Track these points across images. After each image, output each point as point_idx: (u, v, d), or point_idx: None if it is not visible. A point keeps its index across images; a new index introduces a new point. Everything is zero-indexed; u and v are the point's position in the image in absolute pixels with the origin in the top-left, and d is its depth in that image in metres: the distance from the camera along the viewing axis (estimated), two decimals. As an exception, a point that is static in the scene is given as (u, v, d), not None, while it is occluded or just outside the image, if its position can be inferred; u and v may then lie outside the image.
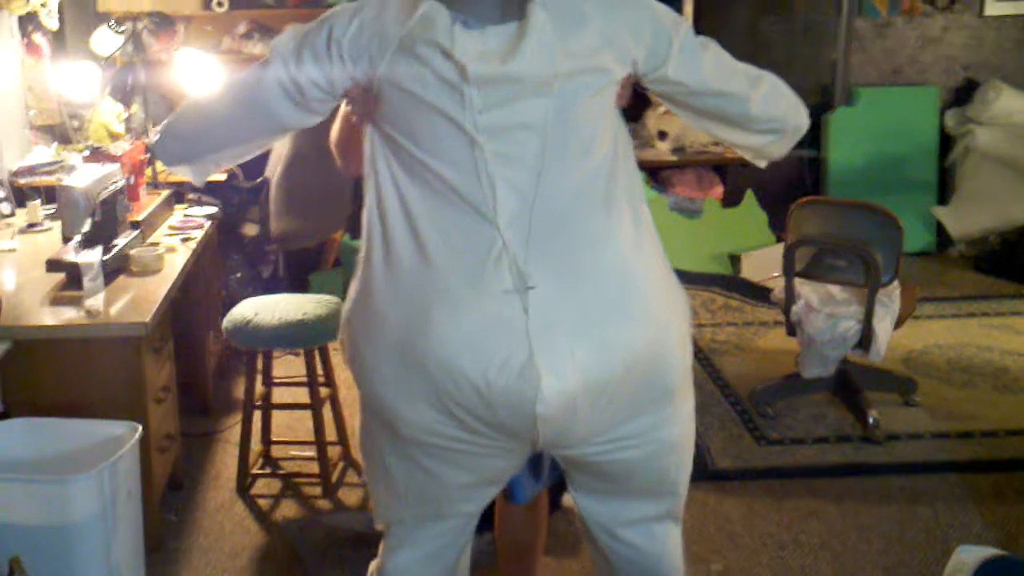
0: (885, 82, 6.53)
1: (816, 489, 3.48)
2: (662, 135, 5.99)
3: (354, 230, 5.53)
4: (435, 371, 1.80)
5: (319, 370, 3.57)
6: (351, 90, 1.87)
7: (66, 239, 3.50)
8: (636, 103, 2.06)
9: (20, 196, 4.34)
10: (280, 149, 4.68)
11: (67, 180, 3.68)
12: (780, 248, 5.40)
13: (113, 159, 4.12)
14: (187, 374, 3.93)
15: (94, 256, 3.16)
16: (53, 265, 3.30)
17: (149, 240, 3.77)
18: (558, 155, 1.80)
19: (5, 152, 4.61)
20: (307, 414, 3.93)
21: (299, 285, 5.20)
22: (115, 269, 3.37)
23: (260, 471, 3.66)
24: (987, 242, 6.18)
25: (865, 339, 3.71)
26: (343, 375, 3.96)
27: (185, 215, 4.16)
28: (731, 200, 6.01)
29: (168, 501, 3.38)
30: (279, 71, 1.86)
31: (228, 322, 3.47)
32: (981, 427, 3.89)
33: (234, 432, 3.97)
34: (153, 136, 2.14)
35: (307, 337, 3.41)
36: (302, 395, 3.90)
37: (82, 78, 4.84)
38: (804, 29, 6.53)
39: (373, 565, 2.18)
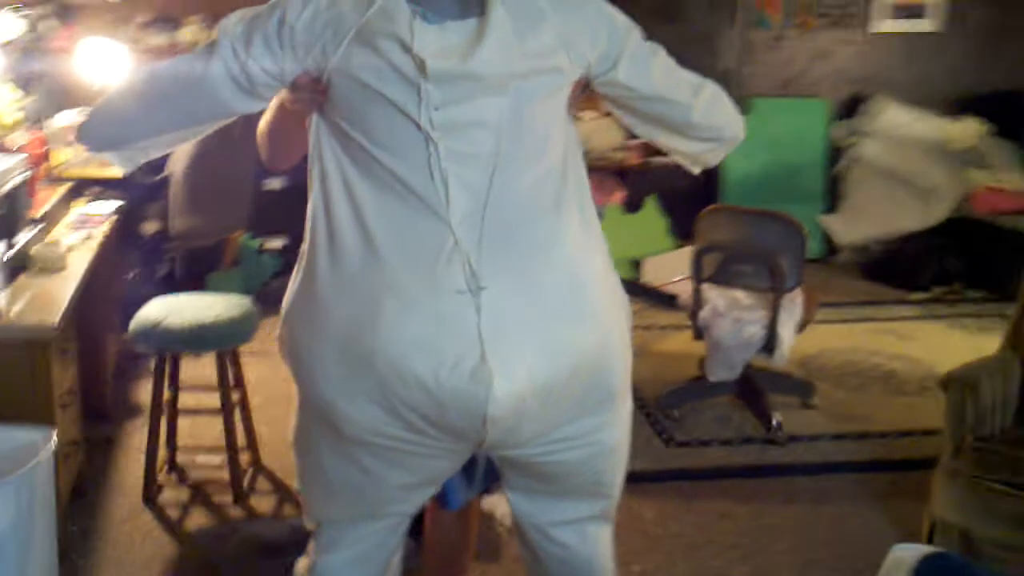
0: (777, 93, 6.74)
1: (725, 490, 3.57)
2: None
3: (254, 229, 5.44)
4: (383, 369, 1.77)
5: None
6: (300, 78, 1.81)
7: (-37, 236, 3.35)
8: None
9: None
10: (183, 144, 4.55)
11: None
12: (681, 253, 5.54)
13: (9, 150, 3.95)
14: (85, 377, 3.78)
15: (-6, 255, 3.04)
16: (-49, 263, 3.15)
17: (49, 237, 3.63)
18: (512, 155, 1.80)
19: None
20: (211, 419, 3.86)
21: (196, 285, 5.07)
22: (16, 267, 3.24)
23: (167, 479, 3.56)
24: (871, 250, 6.43)
25: (770, 343, 3.82)
26: (252, 379, 3.91)
27: (85, 211, 4.03)
28: (632, 205, 6.12)
29: (71, 511, 3.26)
30: (226, 55, 1.80)
31: (135, 324, 3.36)
32: (875, 428, 4.05)
33: (136, 438, 3.87)
34: (79, 118, 2.02)
35: (220, 339, 3.34)
36: (205, 399, 3.83)
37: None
38: (699, 39, 6.67)
39: (301, 564, 2.15)
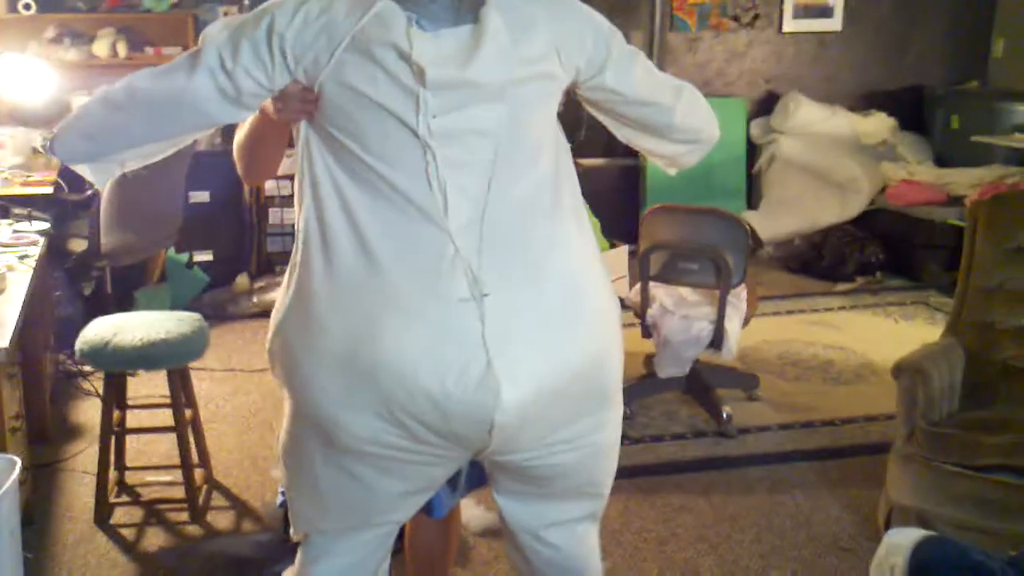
0: (696, 93, 6.84)
1: (682, 484, 3.62)
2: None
3: (181, 243, 5.32)
4: (385, 381, 1.75)
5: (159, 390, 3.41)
6: (290, 87, 1.78)
7: None
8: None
9: None
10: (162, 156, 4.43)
11: None
12: (616, 253, 5.60)
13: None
14: (24, 400, 3.67)
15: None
16: None
17: (-18, 259, 3.51)
18: (508, 162, 1.80)
19: None
20: (158, 437, 3.79)
21: (124, 302, 4.95)
22: (-46, 291, 3.12)
23: (117, 499, 3.46)
24: (793, 244, 6.59)
25: (717, 339, 3.89)
26: (202, 394, 3.83)
27: (15, 231, 3.90)
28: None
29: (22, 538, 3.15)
30: (212, 63, 1.76)
31: (83, 343, 3.26)
32: (819, 417, 4.15)
33: (79, 460, 3.76)
34: (52, 131, 1.94)
35: (172, 356, 3.26)
36: (147, 417, 3.74)
37: None
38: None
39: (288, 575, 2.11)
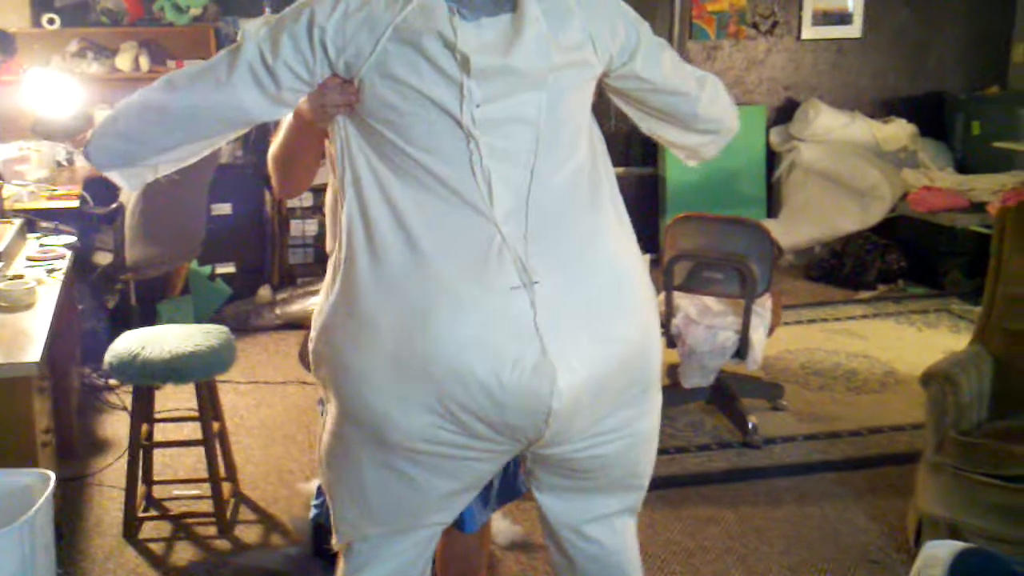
0: (715, 101, 6.84)
1: (709, 496, 3.61)
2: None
3: (201, 256, 5.35)
4: (440, 374, 1.74)
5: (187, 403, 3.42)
6: (329, 80, 1.77)
7: (-74, 275, 3.24)
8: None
9: None
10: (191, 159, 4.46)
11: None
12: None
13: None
14: (52, 414, 3.69)
15: (-35, 293, 2.95)
16: (-82, 304, 3.05)
17: (11, 273, 3.53)
18: (549, 150, 1.81)
19: None
20: (185, 450, 3.80)
21: (148, 314, 4.98)
22: (-17, 306, 3.15)
23: (145, 514, 3.47)
24: (814, 252, 6.57)
25: (742, 348, 3.88)
26: (227, 407, 3.84)
27: (41, 245, 3.92)
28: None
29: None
30: (252, 58, 1.76)
31: (111, 357, 3.28)
32: (845, 427, 4.13)
33: (107, 474, 3.77)
34: (88, 136, 1.93)
35: (200, 369, 3.27)
36: (173, 431, 3.76)
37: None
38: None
39: None
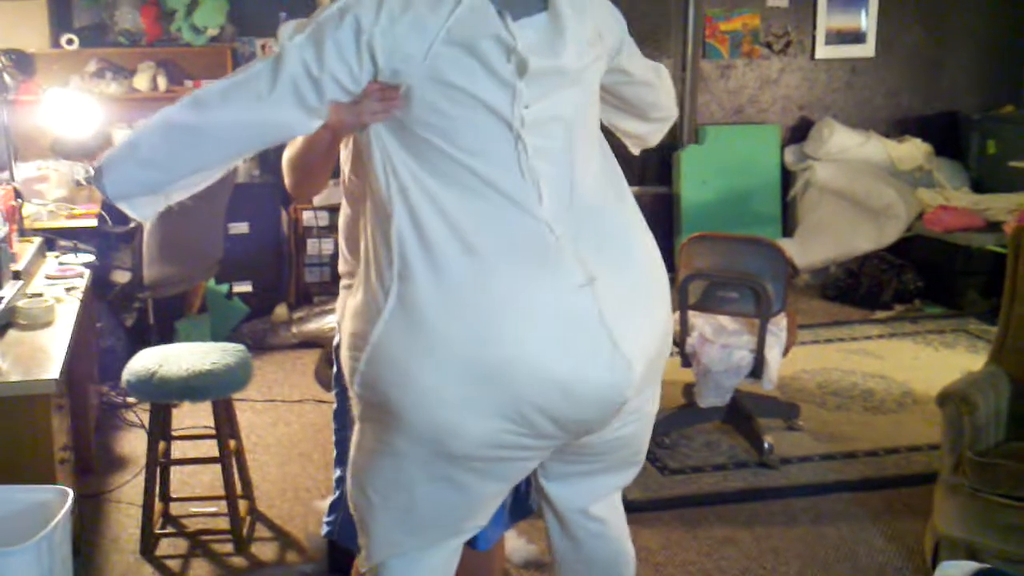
0: (729, 120, 6.87)
1: (725, 516, 3.60)
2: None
3: (219, 275, 5.37)
4: (517, 379, 1.74)
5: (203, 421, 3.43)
6: (368, 87, 1.74)
7: (-52, 293, 3.27)
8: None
9: None
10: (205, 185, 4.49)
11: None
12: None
13: (-18, 206, 3.87)
14: (71, 431, 3.71)
15: (-15, 311, 2.97)
16: (-60, 322, 3.08)
17: (30, 291, 3.56)
18: (581, 146, 1.84)
19: None
20: (201, 468, 3.81)
21: (165, 333, 5.00)
22: (4, 323, 3.17)
23: (162, 531, 3.48)
24: (830, 272, 6.56)
25: (757, 368, 3.87)
26: (243, 425, 3.86)
27: (61, 263, 3.95)
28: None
29: (70, 568, 3.18)
30: (295, 71, 1.70)
31: (130, 375, 3.30)
32: (862, 447, 4.11)
33: (125, 491, 3.79)
34: (98, 163, 1.82)
35: (217, 387, 3.29)
36: (191, 448, 3.77)
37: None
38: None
39: None
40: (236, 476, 3.48)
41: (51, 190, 5.02)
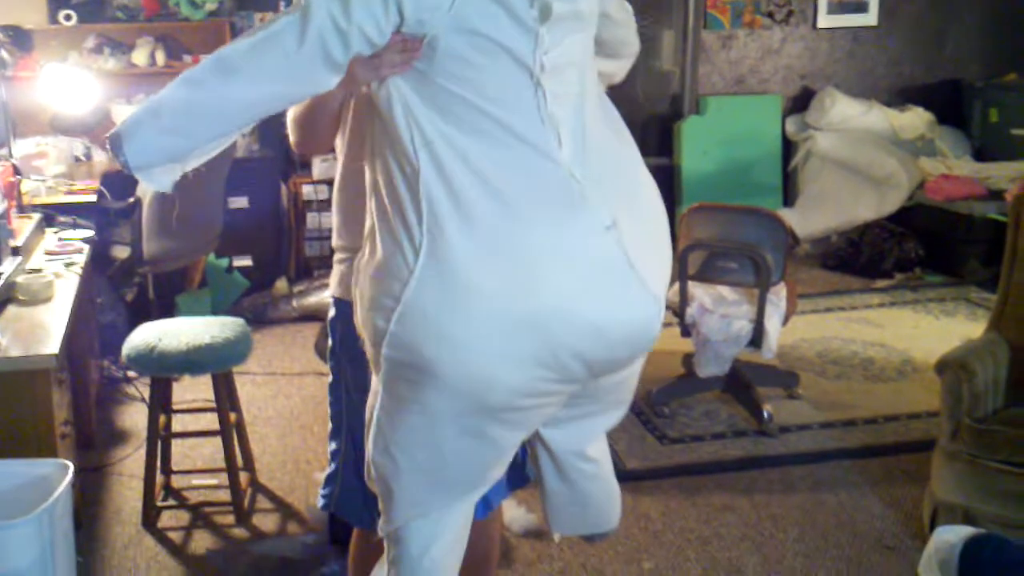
0: (730, 91, 6.84)
1: (724, 483, 3.61)
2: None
3: (218, 249, 5.38)
4: (552, 325, 1.74)
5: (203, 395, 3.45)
6: (392, 40, 1.71)
7: (-54, 269, 3.27)
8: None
9: None
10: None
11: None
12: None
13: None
14: (71, 406, 3.73)
15: (-17, 286, 2.98)
16: (-61, 297, 3.09)
17: (30, 266, 3.56)
18: (588, 90, 1.85)
19: None
20: (202, 441, 3.84)
21: (166, 307, 5.01)
22: (4, 299, 3.18)
23: (164, 503, 3.51)
24: (831, 241, 6.55)
25: (757, 337, 3.88)
26: (244, 398, 3.87)
27: (60, 239, 3.96)
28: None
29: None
30: (323, 24, 1.65)
31: (129, 349, 3.31)
32: (861, 415, 4.12)
33: (126, 464, 3.81)
34: (116, 131, 1.73)
35: (216, 361, 3.30)
36: (192, 421, 3.79)
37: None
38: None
39: (379, 574, 2.03)
40: (237, 448, 3.50)
41: (50, 166, 5.02)
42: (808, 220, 6.49)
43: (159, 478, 3.52)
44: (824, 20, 6.87)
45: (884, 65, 7.00)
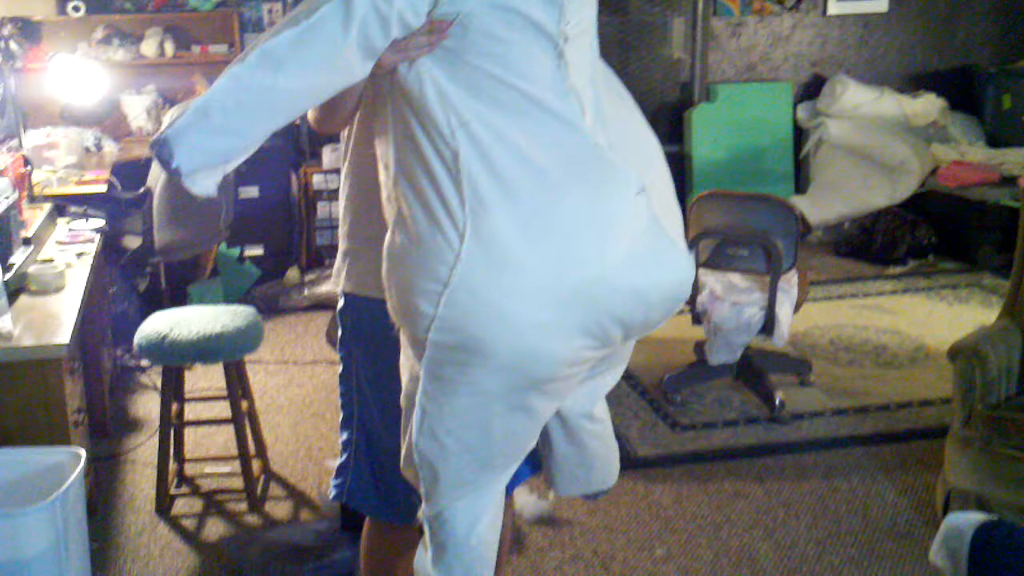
0: (740, 78, 6.81)
1: (736, 470, 3.61)
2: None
3: (230, 239, 5.39)
4: (598, 295, 1.76)
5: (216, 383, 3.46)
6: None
7: (-41, 259, 3.28)
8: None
9: None
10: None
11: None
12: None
13: (-8, 172, 3.88)
14: (85, 394, 3.74)
15: (-5, 276, 2.99)
16: (-49, 287, 3.09)
17: (41, 256, 3.57)
18: (596, 58, 1.88)
19: None
20: (215, 429, 3.85)
21: (178, 296, 5.02)
22: (15, 289, 3.19)
23: (177, 490, 3.52)
24: (843, 228, 6.53)
25: (768, 325, 3.87)
26: (256, 386, 3.88)
27: (71, 229, 3.96)
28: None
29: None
30: (363, 8, 1.63)
31: (140, 338, 3.32)
32: (874, 402, 4.11)
33: (140, 452, 3.83)
34: (162, 136, 1.66)
35: (228, 350, 3.30)
36: (205, 410, 3.80)
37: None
38: (653, 29, 6.70)
39: (423, 559, 1.97)
40: (249, 436, 3.51)
41: (61, 157, 5.03)
42: (820, 207, 6.46)
43: (172, 466, 3.54)
44: (834, 6, 6.83)
45: (895, 51, 6.96)
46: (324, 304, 5.34)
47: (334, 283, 2.19)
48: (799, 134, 6.78)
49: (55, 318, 3.02)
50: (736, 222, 3.90)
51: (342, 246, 2.17)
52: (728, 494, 3.45)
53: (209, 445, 3.85)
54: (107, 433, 3.96)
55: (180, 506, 3.45)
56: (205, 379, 4.32)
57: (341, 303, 2.17)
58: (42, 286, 3.24)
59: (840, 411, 4.04)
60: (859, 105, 6.56)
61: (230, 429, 3.46)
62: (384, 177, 1.85)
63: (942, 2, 6.93)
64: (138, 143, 5.49)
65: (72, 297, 3.19)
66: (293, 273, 5.64)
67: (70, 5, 5.48)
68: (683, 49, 6.69)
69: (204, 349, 3.26)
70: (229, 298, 5.28)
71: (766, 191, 6.38)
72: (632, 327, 1.85)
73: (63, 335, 2.89)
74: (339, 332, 2.25)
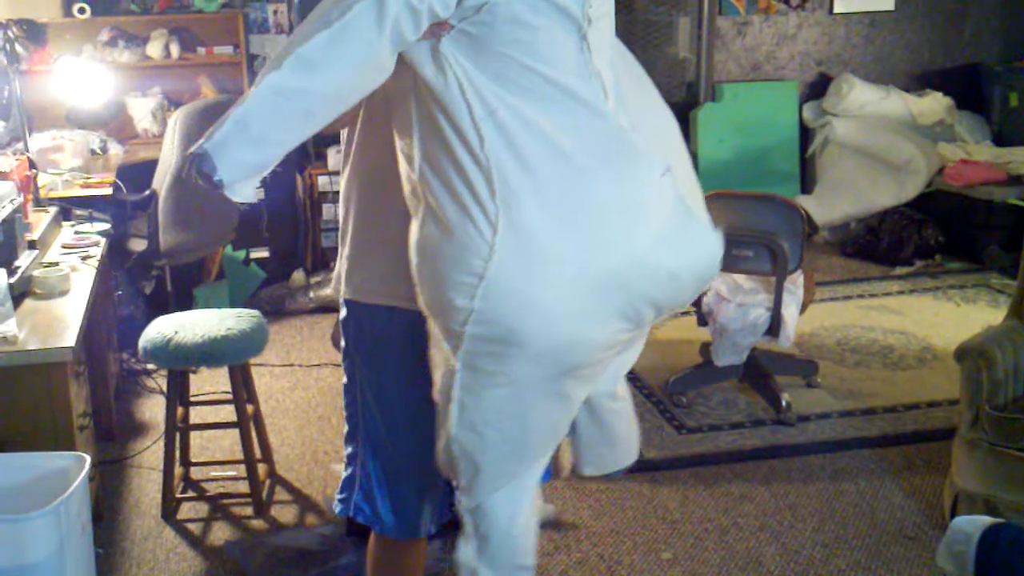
0: (746, 78, 6.80)
1: (743, 473, 3.59)
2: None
3: (235, 241, 5.39)
4: (631, 279, 1.77)
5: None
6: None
7: (-37, 263, 3.28)
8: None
9: None
10: (168, 160, 4.50)
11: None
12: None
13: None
14: (90, 398, 3.74)
15: (0, 279, 2.98)
16: (-43, 291, 3.09)
17: (46, 260, 3.57)
18: (615, 39, 1.89)
19: None
20: (221, 433, 3.85)
21: (184, 300, 5.03)
22: (21, 292, 3.19)
23: (183, 495, 3.52)
24: (849, 228, 6.50)
25: (774, 326, 3.85)
26: (262, 390, 3.88)
27: (76, 232, 3.96)
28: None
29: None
30: (399, 6, 1.61)
31: (145, 342, 3.32)
32: (881, 404, 4.10)
33: (145, 457, 3.83)
34: (201, 149, 1.64)
35: (233, 353, 3.30)
36: (210, 413, 3.79)
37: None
38: (658, 27, 6.69)
39: (467, 552, 1.98)
40: (255, 440, 3.51)
41: (66, 159, 5.02)
42: (826, 207, 6.45)
43: (178, 470, 3.54)
44: (840, 5, 6.82)
45: (902, 50, 6.94)
46: (330, 307, 5.33)
47: (334, 289, 2.18)
48: (805, 133, 6.76)
49: (60, 322, 3.02)
50: (741, 222, 3.89)
51: (343, 250, 2.16)
52: (734, 497, 3.44)
53: (214, 449, 3.85)
54: (112, 437, 3.96)
55: (186, 510, 3.44)
56: (210, 383, 4.32)
57: (343, 312, 2.16)
58: (47, 289, 3.24)
59: (847, 413, 4.03)
60: (865, 104, 6.54)
61: (235, 433, 3.46)
62: (408, 171, 1.83)
63: (942, 1, 6.90)
64: (143, 145, 5.50)
65: (77, 301, 3.18)
66: (299, 276, 5.64)
67: (75, 7, 5.48)
68: (689, 48, 6.68)
69: (209, 352, 3.26)
70: (235, 301, 5.28)
71: (772, 191, 6.33)
72: (664, 308, 1.87)
73: (68, 339, 2.88)
74: (342, 343, 2.24)
